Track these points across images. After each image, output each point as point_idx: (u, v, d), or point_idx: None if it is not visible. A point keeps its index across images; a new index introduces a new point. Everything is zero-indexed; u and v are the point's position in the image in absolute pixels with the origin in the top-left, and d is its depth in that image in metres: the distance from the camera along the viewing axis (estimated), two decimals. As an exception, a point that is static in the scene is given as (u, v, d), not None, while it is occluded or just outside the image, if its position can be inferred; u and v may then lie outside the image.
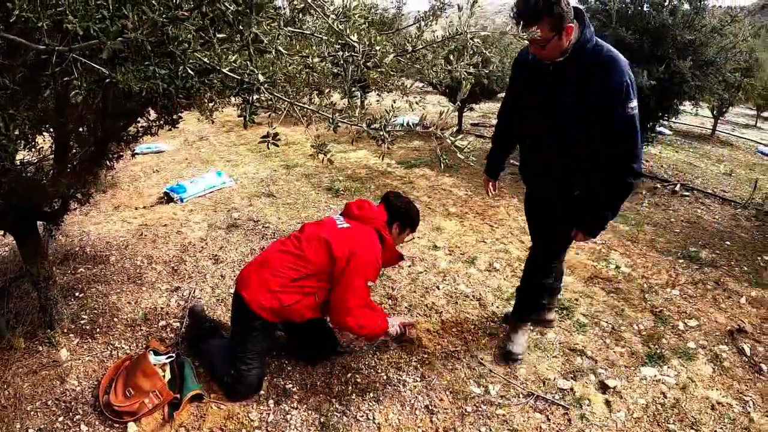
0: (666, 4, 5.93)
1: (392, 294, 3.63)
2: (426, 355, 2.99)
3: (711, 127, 11.91)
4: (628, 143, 2.27)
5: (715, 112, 11.42)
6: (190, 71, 1.46)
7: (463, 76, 2.01)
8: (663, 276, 4.18)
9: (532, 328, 3.26)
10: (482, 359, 2.97)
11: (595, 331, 3.32)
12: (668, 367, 3.03)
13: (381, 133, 1.36)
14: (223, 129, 9.37)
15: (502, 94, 13.15)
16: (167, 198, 5.45)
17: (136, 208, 5.18)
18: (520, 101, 2.67)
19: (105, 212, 5.06)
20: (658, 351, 3.16)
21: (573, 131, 2.36)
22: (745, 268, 4.47)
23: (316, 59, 1.48)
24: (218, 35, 1.23)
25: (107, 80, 1.67)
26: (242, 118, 1.58)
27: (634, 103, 2.19)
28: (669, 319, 3.53)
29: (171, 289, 3.60)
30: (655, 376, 2.95)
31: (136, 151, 7.41)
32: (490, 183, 3.12)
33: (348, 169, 6.84)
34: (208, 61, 1.48)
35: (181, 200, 5.40)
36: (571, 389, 2.78)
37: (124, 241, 4.34)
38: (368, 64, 1.38)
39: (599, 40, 2.23)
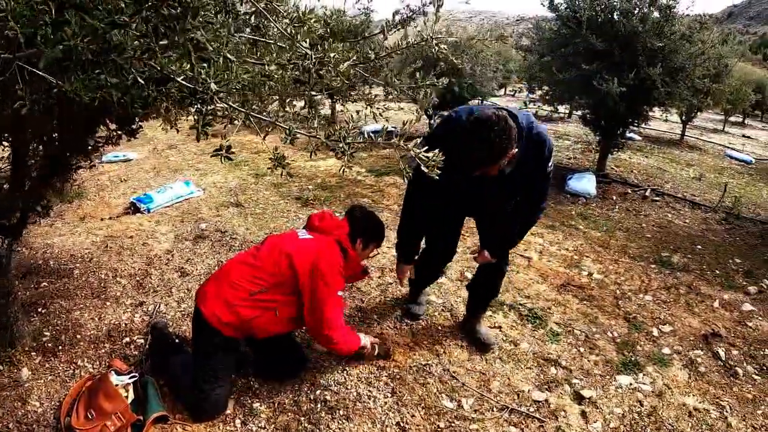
0: (636, 12, 5.96)
1: (362, 306, 3.54)
2: (397, 370, 2.90)
3: (680, 132, 12.05)
4: (545, 192, 2.73)
5: (683, 117, 11.55)
6: (140, 80, 1.39)
7: (428, 91, 1.97)
8: (636, 282, 4.18)
9: (504, 338, 3.23)
10: (455, 372, 2.91)
11: (569, 340, 3.29)
12: (644, 375, 3.01)
13: (340, 145, 1.29)
14: (191, 137, 9.15)
15: (474, 102, 13.18)
16: (134, 208, 5.31)
17: (102, 219, 5.04)
18: (453, 193, 2.76)
19: (70, 223, 4.91)
20: (633, 358, 3.14)
21: (521, 198, 2.75)
22: (717, 272, 4.51)
23: (273, 67, 1.40)
24: (160, 42, 1.15)
25: (55, 90, 1.58)
26: (203, 128, 1.52)
27: (551, 162, 2.58)
28: (643, 325, 3.52)
29: (135, 303, 3.48)
30: (631, 384, 2.92)
31: (103, 160, 7.24)
32: (408, 269, 3.18)
33: (317, 178, 6.76)
34: (160, 69, 1.41)
35: (148, 210, 5.26)
36: (546, 401, 2.73)
37: (89, 253, 4.20)
38: (321, 72, 1.31)
39: (520, 117, 2.43)
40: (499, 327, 3.34)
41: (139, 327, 3.22)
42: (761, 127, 16.98)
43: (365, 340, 2.84)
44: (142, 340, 3.08)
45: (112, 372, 2.62)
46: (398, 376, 2.85)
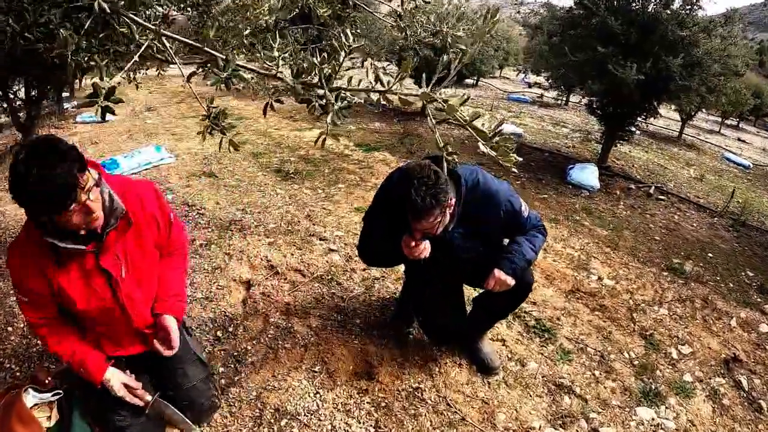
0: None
1: (342, 306, 3.02)
2: (382, 394, 2.38)
3: (677, 130, 11.77)
4: (535, 227, 2.38)
5: (683, 115, 11.24)
6: None
7: (449, 41, 1.61)
8: (649, 291, 3.75)
9: (509, 356, 2.75)
10: (452, 400, 2.40)
11: (581, 360, 2.82)
12: (666, 408, 2.58)
13: (320, 92, 0.77)
14: (174, 99, 8.79)
15: (469, 81, 12.64)
16: None
17: None
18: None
19: None
20: (653, 386, 2.71)
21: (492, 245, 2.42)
22: (731, 285, 4.13)
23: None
24: None
25: None
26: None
27: (524, 207, 2.34)
28: (660, 344, 3.10)
29: None
30: (653, 419, 2.49)
31: (77, 120, 7.12)
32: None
33: (301, 150, 6.26)
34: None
35: None
36: (561, 442, 2.25)
37: None
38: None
39: (464, 173, 2.26)
40: (503, 341, 2.85)
41: (78, 319, 2.69)
42: (755, 132, 16.83)
43: (114, 380, 1.88)
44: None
45: (29, 390, 2.01)
46: (384, 404, 2.33)
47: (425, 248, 2.16)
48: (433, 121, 0.73)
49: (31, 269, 1.68)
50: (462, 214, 2.23)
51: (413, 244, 2.14)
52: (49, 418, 1.95)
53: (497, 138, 0.73)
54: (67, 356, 1.82)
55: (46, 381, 2.09)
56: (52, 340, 1.82)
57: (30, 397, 1.97)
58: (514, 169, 0.76)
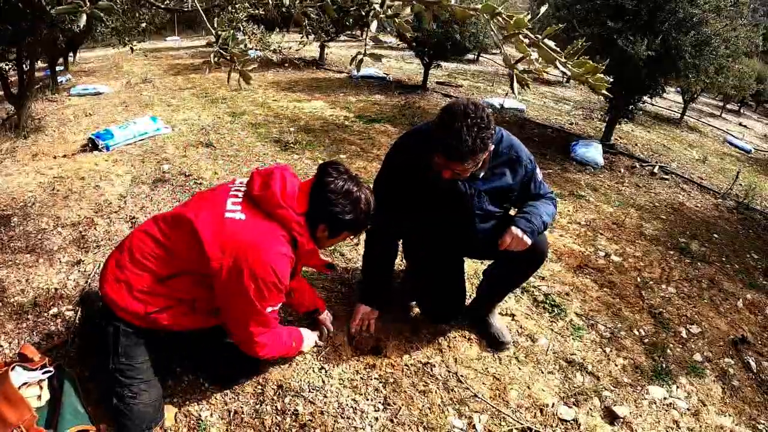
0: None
1: (346, 278, 2.92)
2: (391, 370, 2.29)
3: (679, 112, 11.64)
4: (545, 196, 2.33)
5: (686, 96, 11.11)
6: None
7: None
8: (656, 269, 3.69)
9: (519, 331, 2.67)
10: (463, 375, 2.31)
11: (592, 336, 2.75)
12: (677, 387, 2.53)
13: None
14: (170, 72, 8.75)
15: (470, 56, 12.46)
16: (92, 145, 4.77)
17: (54, 157, 4.49)
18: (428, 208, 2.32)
19: (20, 161, 4.36)
20: (664, 365, 2.65)
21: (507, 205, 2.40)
22: (737, 266, 4.06)
23: None
24: None
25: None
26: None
27: (539, 171, 2.33)
28: (670, 323, 3.04)
29: (72, 261, 2.91)
30: (665, 398, 2.43)
31: (72, 93, 7.12)
32: (373, 317, 2.50)
33: (300, 120, 6.16)
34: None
35: (107, 148, 4.72)
36: (575, 420, 2.17)
37: (33, 197, 3.65)
38: None
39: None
40: (512, 315, 2.77)
41: (71, 294, 2.65)
42: (757, 118, 16.71)
43: (308, 343, 2.24)
44: (72, 313, 2.49)
45: (16, 368, 1.91)
46: (392, 379, 2.23)
47: None
48: (499, 36, 0.62)
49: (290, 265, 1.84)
50: (493, 167, 2.19)
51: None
52: (39, 397, 1.87)
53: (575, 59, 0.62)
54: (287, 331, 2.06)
55: (36, 358, 1.99)
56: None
57: (18, 376, 1.88)
58: (604, 91, 0.65)
